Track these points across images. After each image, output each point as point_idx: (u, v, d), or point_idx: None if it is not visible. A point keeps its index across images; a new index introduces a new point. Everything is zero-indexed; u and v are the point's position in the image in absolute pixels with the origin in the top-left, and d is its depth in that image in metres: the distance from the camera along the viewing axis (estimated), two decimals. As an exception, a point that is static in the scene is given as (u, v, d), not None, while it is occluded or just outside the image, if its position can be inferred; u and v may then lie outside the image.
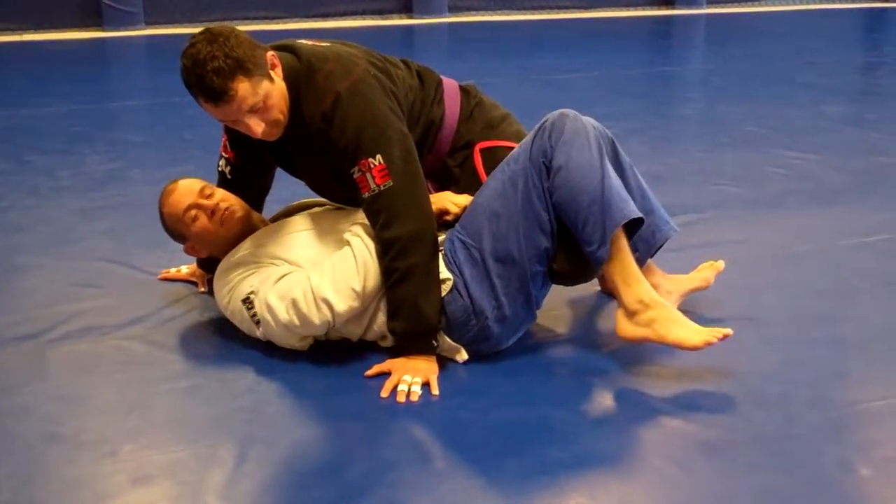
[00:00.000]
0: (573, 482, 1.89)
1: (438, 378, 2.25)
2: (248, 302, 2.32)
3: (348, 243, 2.30)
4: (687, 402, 2.16)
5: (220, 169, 2.63)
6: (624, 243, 2.23)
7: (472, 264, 2.29)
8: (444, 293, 2.28)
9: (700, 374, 2.27)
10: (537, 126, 2.30)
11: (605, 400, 2.17)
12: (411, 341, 2.28)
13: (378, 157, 2.23)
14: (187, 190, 2.47)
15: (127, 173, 4.05)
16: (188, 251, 2.56)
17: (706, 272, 2.57)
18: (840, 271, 2.89)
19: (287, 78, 2.27)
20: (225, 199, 2.48)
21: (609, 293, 2.62)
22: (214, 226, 2.44)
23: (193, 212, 2.43)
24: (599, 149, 2.23)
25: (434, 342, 2.29)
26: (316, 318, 2.25)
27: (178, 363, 2.39)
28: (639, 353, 2.32)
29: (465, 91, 2.58)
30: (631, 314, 2.24)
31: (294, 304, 2.25)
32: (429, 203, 2.31)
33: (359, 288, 2.25)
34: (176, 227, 2.49)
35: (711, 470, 1.90)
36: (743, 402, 2.15)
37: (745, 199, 3.59)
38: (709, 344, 2.18)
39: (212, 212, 2.43)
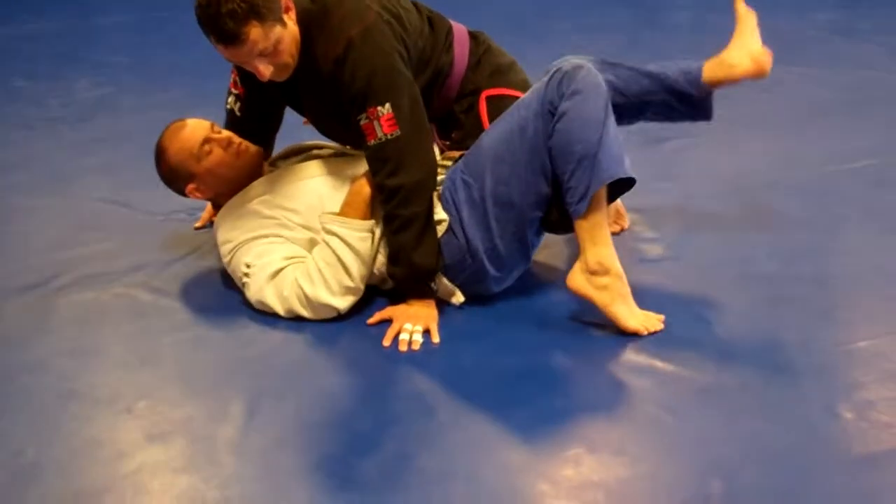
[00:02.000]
0: (572, 431, 1.98)
1: (438, 324, 2.32)
2: (243, 283, 2.39)
3: (327, 244, 2.33)
4: (678, 344, 2.23)
5: (228, 107, 2.65)
6: (603, 203, 2.25)
7: (471, 204, 2.33)
8: (439, 234, 2.34)
9: (691, 316, 2.34)
10: (549, 73, 2.29)
11: (600, 346, 2.24)
12: (411, 286, 2.35)
13: (387, 105, 2.26)
14: (199, 125, 2.47)
15: (116, 101, 4.05)
16: (191, 192, 2.51)
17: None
18: (826, 201, 2.94)
19: (300, 20, 2.29)
20: (235, 136, 2.49)
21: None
22: (230, 157, 2.44)
23: (208, 146, 2.43)
24: (607, 106, 2.24)
25: (433, 286, 2.36)
26: (319, 317, 2.34)
27: (182, 312, 2.45)
28: (634, 296, 2.38)
29: (473, 37, 2.59)
30: (592, 272, 2.26)
31: (290, 310, 2.34)
32: (432, 152, 2.37)
33: (353, 284, 2.32)
34: (184, 164, 2.45)
35: (701, 416, 1.99)
36: (732, 346, 2.23)
37: (732, 121, 3.61)
38: (639, 332, 2.24)
39: (227, 143, 2.44)
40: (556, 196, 2.30)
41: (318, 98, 2.40)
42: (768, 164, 3.22)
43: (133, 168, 3.29)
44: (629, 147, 2.33)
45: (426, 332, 2.29)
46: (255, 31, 2.15)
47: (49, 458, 1.93)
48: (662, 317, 2.28)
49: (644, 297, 2.38)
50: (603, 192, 2.24)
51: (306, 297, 2.31)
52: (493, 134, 2.35)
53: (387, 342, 2.27)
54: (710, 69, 2.47)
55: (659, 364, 2.16)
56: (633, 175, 2.26)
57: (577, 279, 2.29)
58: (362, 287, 2.36)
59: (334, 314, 2.34)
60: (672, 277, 2.53)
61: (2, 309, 2.47)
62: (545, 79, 2.29)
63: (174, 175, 2.50)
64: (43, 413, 2.08)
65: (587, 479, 1.83)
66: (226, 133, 2.48)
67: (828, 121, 3.61)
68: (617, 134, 2.26)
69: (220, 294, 2.53)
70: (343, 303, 2.33)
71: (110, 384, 2.17)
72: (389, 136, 2.27)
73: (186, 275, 2.63)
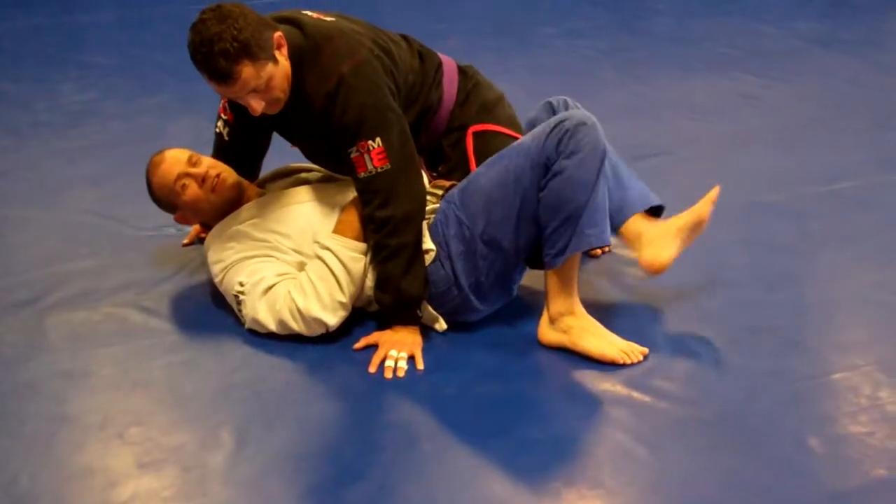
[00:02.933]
0: (550, 463, 2.03)
1: (422, 350, 2.37)
2: (238, 301, 2.43)
3: (321, 259, 2.38)
4: (656, 374, 2.29)
5: (217, 130, 2.69)
6: (576, 261, 2.34)
7: (460, 240, 2.38)
8: (427, 263, 2.39)
9: (669, 344, 2.40)
10: (554, 123, 2.30)
11: (579, 374, 2.30)
12: (397, 313, 2.40)
13: (378, 139, 2.31)
14: (175, 160, 2.52)
15: (102, 106, 4.07)
16: (179, 220, 2.61)
17: (699, 205, 2.50)
18: (806, 224, 3.01)
19: (292, 55, 2.33)
20: (214, 166, 2.53)
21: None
22: (205, 193, 2.49)
23: (183, 181, 2.48)
24: (601, 168, 2.28)
25: (418, 312, 2.41)
26: (310, 333, 2.39)
27: (173, 334, 2.49)
28: (610, 324, 2.44)
29: (462, 72, 2.64)
30: (552, 320, 2.37)
31: (282, 323, 2.38)
32: (421, 184, 2.42)
33: (345, 300, 2.37)
34: (167, 198, 2.54)
35: (678, 449, 2.05)
36: (708, 374, 2.30)
37: (712, 137, 3.68)
38: (616, 361, 2.30)
39: (202, 179, 2.49)
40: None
41: (308, 130, 2.44)
42: (749, 183, 3.28)
43: (120, 180, 3.33)
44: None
45: (411, 359, 2.35)
46: (246, 71, 2.19)
47: (42, 486, 1.98)
48: (646, 350, 2.34)
49: (623, 323, 2.46)
50: (579, 253, 2.31)
51: (298, 310, 2.36)
52: (491, 175, 2.38)
53: (372, 369, 2.32)
54: (631, 234, 2.49)
55: (636, 395, 2.22)
56: (608, 241, 2.35)
57: (545, 332, 2.39)
58: (350, 306, 2.42)
59: (324, 330, 2.39)
60: (652, 301, 2.59)
61: (-7, 328, 2.52)
62: (547, 129, 2.31)
63: (160, 204, 2.60)
64: (35, 438, 2.12)
65: (567, 515, 1.89)
66: (204, 165, 2.51)
67: (809, 138, 3.68)
68: (605, 197, 2.31)
69: (210, 315, 2.57)
70: (333, 318, 2.37)
71: (102, 409, 2.21)
72: (379, 170, 2.32)
73: (176, 294, 2.67)
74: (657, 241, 2.44)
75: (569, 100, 2.61)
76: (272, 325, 2.40)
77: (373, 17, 2.62)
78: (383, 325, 2.44)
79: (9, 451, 2.08)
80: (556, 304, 2.36)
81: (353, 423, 2.19)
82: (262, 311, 2.40)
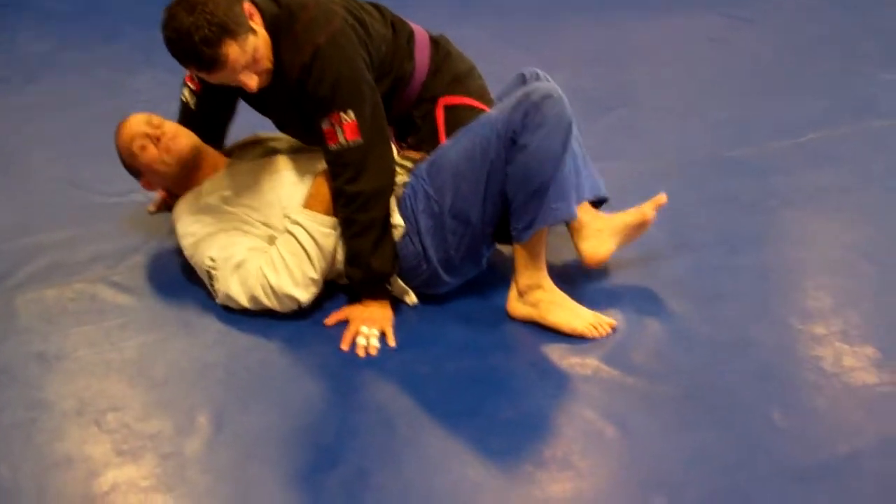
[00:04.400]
0: (521, 444, 2.08)
1: (393, 325, 2.40)
2: (210, 276, 2.44)
3: (291, 234, 2.39)
4: (625, 347, 2.34)
5: (183, 99, 2.67)
6: (543, 234, 2.36)
7: (429, 215, 2.40)
8: (396, 238, 2.41)
9: (637, 315, 2.45)
10: (521, 95, 2.30)
11: (549, 349, 2.34)
12: (366, 288, 2.42)
13: (350, 112, 2.31)
14: (136, 122, 2.53)
15: (59, 57, 4.00)
16: (144, 186, 2.61)
17: (645, 207, 2.58)
18: (771, 181, 3.04)
19: (267, 25, 2.30)
20: (172, 128, 2.52)
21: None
22: (160, 154, 2.49)
23: (140, 141, 2.49)
24: (566, 140, 2.28)
25: (388, 287, 2.44)
26: (282, 309, 2.40)
27: (144, 311, 2.51)
28: (577, 294, 2.48)
29: (434, 43, 2.62)
30: (521, 293, 2.40)
31: (254, 299, 2.39)
32: (392, 159, 2.42)
33: (317, 276, 2.38)
34: (130, 161, 2.55)
35: (646, 427, 2.10)
36: (676, 347, 2.34)
37: (680, 85, 3.69)
38: (585, 334, 2.35)
39: (157, 139, 2.48)
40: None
41: (281, 100, 2.43)
42: (716, 137, 3.30)
43: (82, 140, 3.31)
44: (574, 113, 2.37)
45: (383, 335, 2.38)
46: (232, 50, 2.18)
47: (24, 477, 2.00)
48: (613, 322, 2.39)
49: (588, 296, 2.49)
50: (546, 227, 2.34)
51: (271, 286, 2.37)
52: (457, 149, 2.39)
53: (345, 346, 2.35)
54: (574, 224, 2.51)
55: (605, 369, 2.27)
56: (576, 215, 2.38)
57: (514, 305, 2.43)
58: (322, 281, 2.43)
59: (296, 306, 2.41)
60: (618, 268, 2.63)
61: (-37, 308, 2.51)
62: (513, 102, 2.31)
63: (128, 170, 2.60)
64: (14, 427, 2.13)
65: (537, 498, 1.94)
66: (162, 127, 2.50)
67: (776, 84, 3.69)
68: (571, 171, 2.33)
69: (181, 289, 2.58)
70: (305, 294, 2.39)
71: (78, 393, 2.23)
72: (351, 143, 2.32)
73: (146, 266, 2.68)
74: (598, 235, 2.51)
75: (540, 72, 2.60)
76: (245, 301, 2.41)
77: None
78: (354, 298, 2.46)
79: (-11, 442, 2.10)
80: (524, 278, 2.39)
81: (328, 404, 2.22)
82: (235, 288, 2.41)
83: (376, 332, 2.37)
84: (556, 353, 2.33)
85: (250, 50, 2.22)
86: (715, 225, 2.82)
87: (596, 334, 2.35)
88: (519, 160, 2.28)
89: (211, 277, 2.45)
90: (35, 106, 3.59)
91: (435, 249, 2.40)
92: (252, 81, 2.27)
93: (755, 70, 3.80)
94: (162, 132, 2.49)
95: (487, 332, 2.40)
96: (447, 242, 2.39)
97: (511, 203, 2.33)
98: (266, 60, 2.29)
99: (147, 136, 2.48)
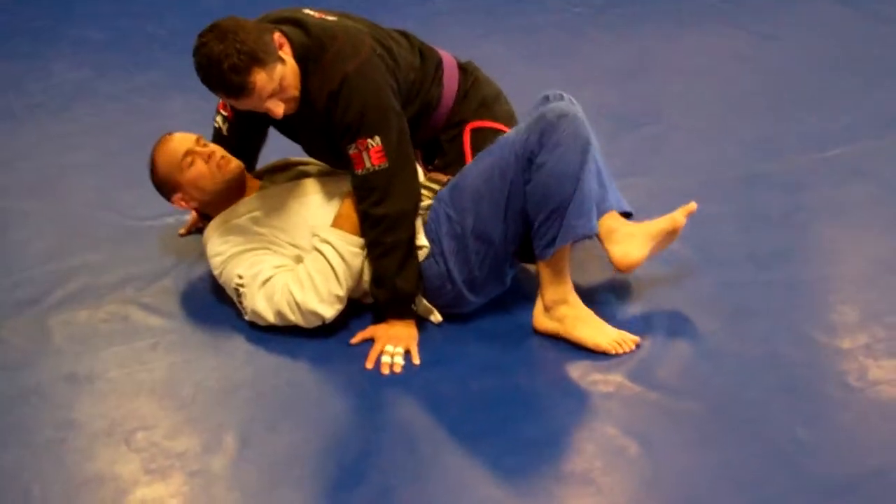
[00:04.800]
0: (543, 462, 2.09)
1: (417, 344, 2.42)
2: (238, 293, 2.47)
3: (319, 252, 2.42)
4: (649, 364, 2.34)
5: (216, 125, 2.72)
6: (567, 250, 2.37)
7: (452, 237, 2.42)
8: (420, 259, 2.44)
9: (661, 330, 2.44)
10: (537, 115, 2.34)
11: (571, 366, 2.35)
12: (392, 308, 2.45)
13: (377, 137, 2.35)
14: (183, 138, 2.58)
15: (95, 85, 4.06)
16: (177, 202, 2.62)
17: (676, 213, 2.53)
18: (799, 196, 3.02)
19: (296, 53, 2.36)
20: (219, 150, 2.57)
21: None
22: (211, 170, 2.53)
23: (190, 157, 2.53)
24: (584, 158, 2.30)
25: (413, 306, 2.46)
26: (307, 325, 2.43)
27: (174, 332, 2.54)
28: (601, 310, 2.48)
29: (462, 69, 2.67)
30: (547, 308, 2.42)
31: (280, 315, 2.42)
32: (417, 182, 2.46)
33: (342, 293, 2.41)
34: (170, 175, 2.56)
35: (670, 444, 2.10)
36: (700, 363, 2.34)
37: (706, 101, 3.67)
38: (608, 351, 2.35)
39: (208, 156, 2.53)
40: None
41: (310, 127, 2.48)
42: (744, 153, 3.29)
43: (116, 166, 3.36)
44: (601, 134, 2.42)
45: (407, 353, 2.40)
46: (260, 78, 2.23)
47: (55, 496, 2.04)
48: (637, 338, 2.39)
49: (614, 310, 2.50)
50: (570, 244, 2.35)
51: (296, 302, 2.40)
52: (477, 171, 2.42)
53: (369, 364, 2.37)
54: (604, 229, 2.47)
55: (628, 386, 2.27)
56: (596, 230, 2.39)
57: (539, 320, 2.44)
58: (347, 299, 2.46)
59: (320, 322, 2.43)
60: (644, 289, 2.62)
61: (-2, 329, 2.57)
62: (530, 123, 2.34)
63: (162, 184, 2.62)
64: (45, 447, 2.18)
65: (559, 515, 1.95)
66: (210, 147, 2.56)
67: (802, 99, 3.66)
68: (591, 186, 2.34)
69: (211, 310, 2.61)
70: (330, 310, 2.42)
71: (108, 413, 2.27)
72: (377, 168, 2.36)
73: (176, 288, 2.71)
74: (630, 240, 2.49)
75: (564, 95, 2.60)
76: (271, 317, 2.44)
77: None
78: (379, 318, 2.48)
79: (21, 462, 2.14)
80: (549, 293, 2.40)
81: (352, 422, 2.24)
82: (261, 304, 2.44)
83: (401, 351, 2.39)
84: (579, 371, 2.33)
85: (277, 78, 2.27)
86: (742, 241, 2.81)
87: (620, 350, 2.35)
88: (537, 179, 2.30)
89: (239, 294, 2.48)
90: (72, 133, 3.65)
91: (459, 270, 2.42)
92: (279, 109, 2.31)
93: (780, 86, 3.78)
94: (212, 151, 2.54)
95: (511, 351, 2.41)
96: (471, 263, 2.42)
97: (532, 222, 2.35)
98: (293, 89, 2.34)
99: (196, 152, 2.53)
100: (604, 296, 2.58)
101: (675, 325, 2.47)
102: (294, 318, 2.42)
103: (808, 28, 4.33)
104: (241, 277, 2.46)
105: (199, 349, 2.49)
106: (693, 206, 2.52)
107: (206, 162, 2.53)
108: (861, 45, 4.13)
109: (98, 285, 2.73)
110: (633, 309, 2.54)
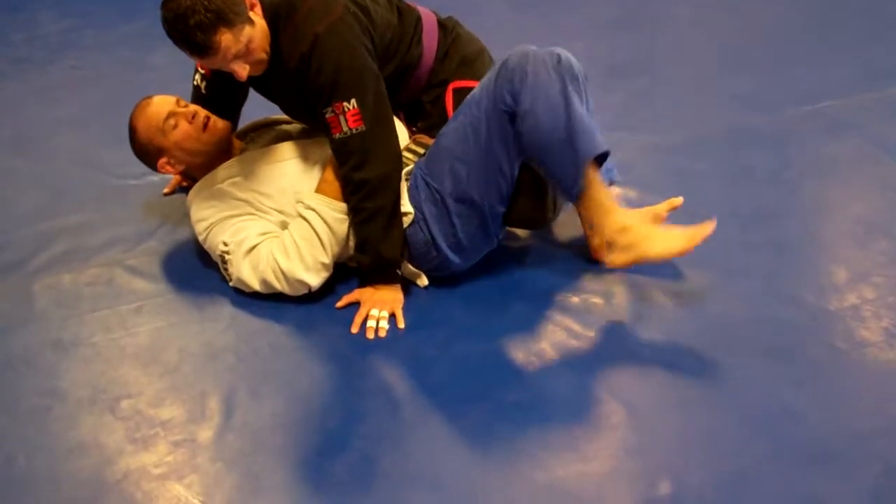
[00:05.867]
0: (528, 427, 2.08)
1: (403, 307, 2.42)
2: (223, 260, 2.45)
3: (304, 218, 2.40)
4: (634, 327, 2.33)
5: (195, 83, 2.68)
6: (595, 175, 2.30)
7: (432, 203, 2.40)
8: (405, 225, 2.42)
9: (647, 293, 2.43)
10: (497, 67, 2.31)
11: (557, 332, 2.34)
12: (377, 273, 2.43)
13: (353, 100, 2.30)
14: (163, 101, 2.54)
15: (80, 35, 4.01)
16: (162, 167, 2.57)
17: (658, 207, 2.48)
18: (787, 152, 3.00)
19: (267, 14, 2.31)
20: (201, 110, 2.53)
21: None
22: (196, 131, 2.49)
23: (173, 119, 2.49)
24: (562, 82, 2.25)
25: (398, 271, 2.45)
26: (291, 292, 2.41)
27: (158, 295, 2.53)
28: (588, 279, 2.48)
29: (442, 26, 2.60)
30: (610, 244, 2.34)
31: (265, 283, 2.40)
32: (397, 144, 2.41)
33: (328, 260, 2.39)
34: (153, 139, 2.51)
35: (656, 409, 2.10)
36: (686, 326, 2.33)
37: (697, 53, 3.62)
38: (686, 251, 2.28)
39: (192, 116, 2.49)
40: (517, 193, 2.36)
41: (285, 89, 2.44)
42: (732, 106, 3.25)
43: (101, 121, 3.34)
44: (591, 81, 2.40)
45: (392, 317, 2.39)
46: (225, 38, 2.18)
47: (39, 465, 2.05)
48: (708, 227, 2.29)
49: (594, 273, 2.49)
50: (592, 166, 2.28)
51: (281, 270, 2.39)
52: (450, 133, 2.39)
53: (355, 329, 2.36)
54: (589, 210, 2.36)
55: (613, 350, 2.27)
56: (607, 146, 2.30)
57: (611, 258, 2.35)
58: (333, 266, 2.44)
59: (306, 290, 2.42)
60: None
61: (-18, 294, 2.56)
62: (492, 74, 2.30)
63: (145, 151, 2.57)
64: (30, 415, 2.18)
65: (541, 483, 1.95)
66: (192, 107, 2.52)
67: (793, 51, 3.62)
68: (582, 108, 2.27)
69: (195, 273, 2.60)
70: (316, 279, 2.41)
71: (92, 381, 2.27)
72: (354, 131, 2.32)
73: (160, 250, 2.70)
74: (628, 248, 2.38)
75: (561, 52, 2.42)
76: (256, 285, 2.43)
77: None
78: (365, 281, 2.47)
79: (6, 430, 2.14)
80: (607, 226, 2.32)
81: (336, 388, 2.24)
82: (246, 271, 2.43)
83: (386, 315, 2.38)
84: (564, 334, 2.32)
85: (244, 40, 2.22)
86: (728, 199, 2.78)
87: (698, 242, 2.28)
88: (527, 126, 2.25)
89: (224, 262, 2.47)
90: (55, 87, 3.62)
91: (444, 236, 2.40)
92: (243, 71, 2.27)
93: (771, 37, 3.73)
94: (195, 110, 2.50)
95: (497, 315, 2.40)
96: (454, 226, 2.39)
97: (547, 170, 2.30)
98: (260, 51, 2.29)
99: (178, 114, 2.49)
100: (587, 257, 2.56)
101: (660, 286, 2.46)
102: (279, 286, 2.41)
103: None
104: (225, 245, 2.45)
105: (184, 313, 2.48)
106: (679, 201, 2.47)
107: (190, 122, 2.49)
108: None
109: (83, 247, 2.72)
110: (613, 270, 2.51)
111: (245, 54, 2.25)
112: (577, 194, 2.31)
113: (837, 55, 3.56)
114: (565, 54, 2.47)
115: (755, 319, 2.34)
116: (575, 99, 2.28)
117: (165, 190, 2.93)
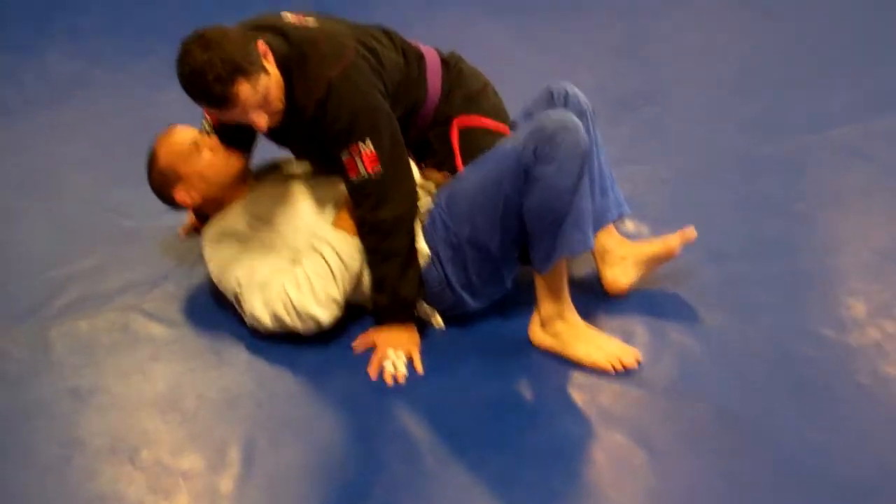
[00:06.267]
0: (549, 473, 2.06)
1: (420, 349, 2.41)
2: (237, 299, 2.46)
3: (318, 252, 2.39)
4: (653, 367, 2.31)
5: (203, 131, 2.66)
6: (563, 265, 2.34)
7: (448, 245, 2.40)
8: (421, 264, 2.41)
9: (664, 331, 2.42)
10: (535, 126, 2.28)
11: (575, 372, 2.32)
12: (394, 313, 2.43)
13: (368, 142, 2.31)
14: (187, 130, 2.55)
15: (89, 75, 4.02)
16: (178, 195, 2.55)
17: (671, 239, 2.52)
18: (801, 180, 2.99)
19: (279, 64, 2.31)
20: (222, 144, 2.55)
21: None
22: (220, 160, 2.50)
23: (197, 147, 2.50)
24: (580, 171, 2.26)
25: (414, 311, 2.44)
26: (303, 329, 2.41)
27: (175, 341, 2.52)
28: (606, 309, 2.46)
29: (444, 63, 2.60)
30: (544, 323, 2.39)
31: (276, 317, 2.39)
32: (413, 185, 2.43)
33: (340, 297, 2.39)
34: (173, 166, 2.51)
35: (678, 452, 2.09)
36: (705, 365, 2.31)
37: (705, 81, 3.62)
38: (605, 368, 2.30)
39: (216, 146, 2.50)
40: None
41: (300, 136, 2.44)
42: (744, 133, 3.25)
43: (111, 161, 3.34)
44: (598, 117, 2.42)
45: (410, 360, 2.38)
46: (244, 89, 2.18)
47: (58, 518, 2.04)
48: (638, 355, 2.33)
49: (615, 308, 2.48)
50: (565, 260, 2.33)
51: (293, 304, 2.38)
52: (473, 178, 2.39)
53: (373, 373, 2.35)
54: (599, 248, 2.51)
55: (633, 392, 2.25)
56: (592, 245, 2.35)
57: (535, 333, 2.42)
58: (344, 303, 2.43)
59: (317, 327, 2.40)
60: (644, 285, 2.57)
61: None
62: (528, 133, 2.28)
63: (163, 177, 2.55)
64: (48, 466, 2.16)
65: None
66: (215, 139, 2.54)
67: (800, 78, 3.61)
68: (589, 200, 2.31)
69: (211, 316, 2.59)
70: (327, 314, 2.39)
71: (111, 430, 2.26)
72: (371, 174, 2.32)
73: (176, 294, 2.69)
74: (622, 263, 2.51)
75: (569, 88, 2.53)
76: (267, 320, 2.41)
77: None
78: (379, 322, 2.46)
79: (25, 481, 2.13)
80: (545, 308, 2.38)
81: (355, 435, 2.23)
82: (258, 306, 2.41)
83: (403, 357, 2.37)
84: (583, 376, 2.31)
85: (262, 90, 2.22)
86: (744, 230, 2.78)
87: (619, 367, 2.31)
88: (533, 193, 2.26)
89: (238, 300, 2.46)
90: (66, 125, 3.62)
91: (456, 277, 2.40)
92: (262, 121, 2.27)
93: (781, 64, 3.72)
94: (217, 143, 2.51)
95: (513, 357, 2.39)
96: (468, 270, 2.40)
97: (529, 235, 2.32)
98: (277, 101, 2.29)
99: (204, 143, 2.50)
100: (601, 293, 2.55)
101: (678, 322, 2.45)
102: (290, 320, 2.39)
103: (808, 5, 4.26)
104: (238, 283, 2.44)
105: (201, 358, 2.47)
106: (691, 233, 2.50)
107: (213, 152, 2.50)
108: (861, 23, 4.07)
109: (97, 292, 2.71)
110: (631, 308, 2.50)
111: (264, 104, 2.25)
112: (541, 271, 2.34)
113: (844, 81, 3.56)
114: (573, 90, 2.53)
115: (776, 357, 2.33)
116: (585, 191, 2.29)
117: (180, 232, 2.91)
